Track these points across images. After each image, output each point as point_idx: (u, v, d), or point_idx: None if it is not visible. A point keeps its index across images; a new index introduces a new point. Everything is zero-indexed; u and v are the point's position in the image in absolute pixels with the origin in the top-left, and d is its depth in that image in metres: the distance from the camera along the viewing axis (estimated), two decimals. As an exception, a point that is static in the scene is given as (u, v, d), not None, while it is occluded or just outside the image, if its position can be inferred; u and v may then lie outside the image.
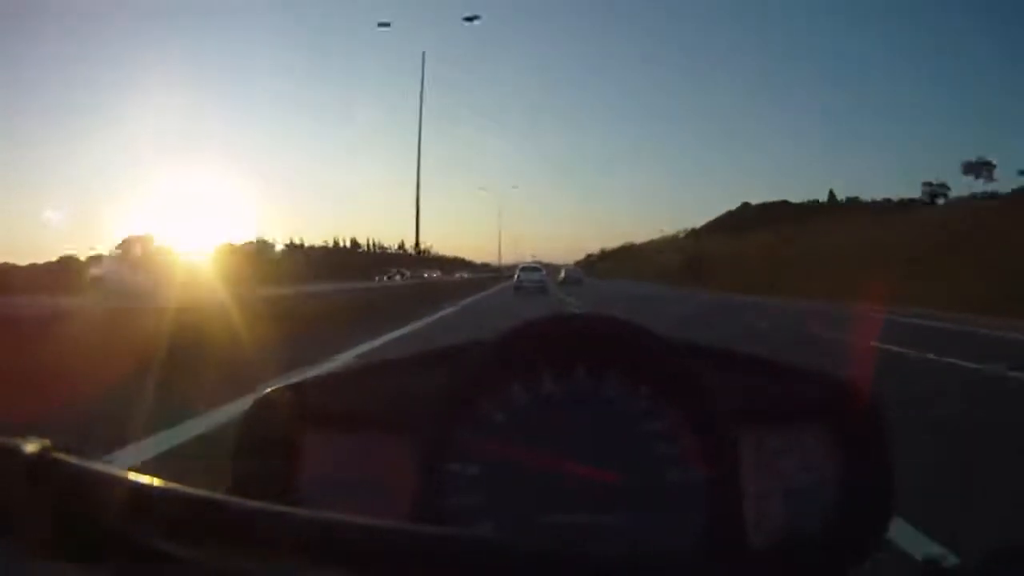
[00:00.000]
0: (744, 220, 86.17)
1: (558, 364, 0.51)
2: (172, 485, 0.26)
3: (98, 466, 0.26)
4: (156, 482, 0.26)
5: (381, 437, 0.49)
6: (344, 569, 0.24)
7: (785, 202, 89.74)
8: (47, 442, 0.25)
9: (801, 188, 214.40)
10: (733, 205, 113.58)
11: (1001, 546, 0.32)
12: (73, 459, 0.25)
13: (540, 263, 31.38)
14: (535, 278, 24.38)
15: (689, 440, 0.48)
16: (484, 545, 0.27)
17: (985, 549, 0.32)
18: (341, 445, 0.49)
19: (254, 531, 0.25)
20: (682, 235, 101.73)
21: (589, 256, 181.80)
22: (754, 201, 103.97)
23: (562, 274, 38.78)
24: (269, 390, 0.50)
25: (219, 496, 0.25)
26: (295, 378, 0.51)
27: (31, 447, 0.25)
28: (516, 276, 25.14)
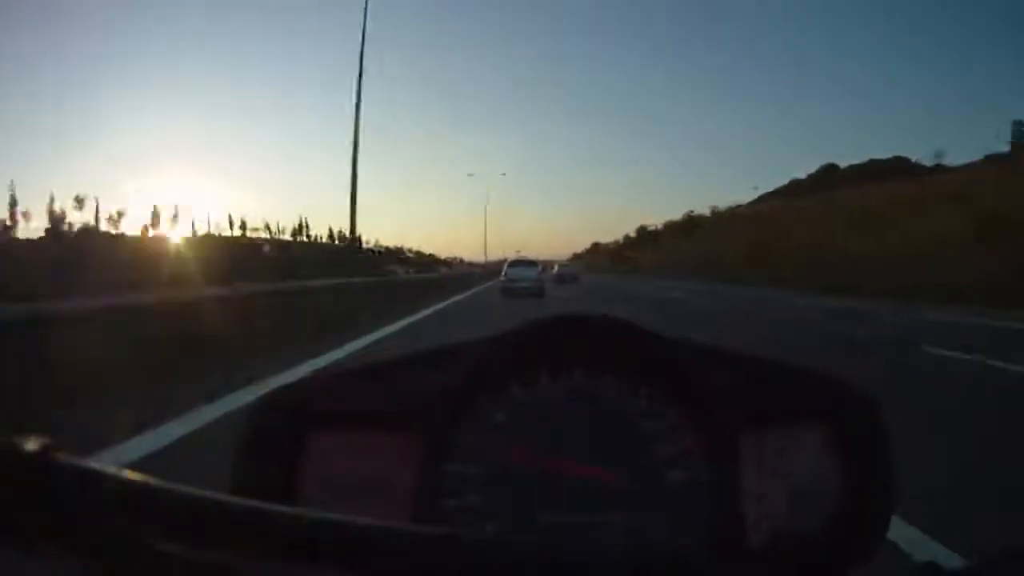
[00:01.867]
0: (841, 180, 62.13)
1: (558, 364, 0.51)
2: (172, 485, 0.26)
3: (98, 466, 0.26)
4: (156, 482, 0.26)
5: (381, 437, 0.49)
6: (344, 569, 0.24)
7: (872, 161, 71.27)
8: (47, 442, 0.25)
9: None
10: (803, 171, 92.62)
11: (1001, 546, 0.32)
12: (73, 459, 0.25)
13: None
14: (529, 276, 18.67)
15: (689, 440, 0.48)
16: (485, 546, 0.27)
17: (985, 549, 0.32)
18: (341, 445, 0.49)
19: (254, 531, 0.25)
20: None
21: (598, 246, 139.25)
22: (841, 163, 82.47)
23: (555, 269, 34.87)
24: (270, 390, 0.50)
25: (219, 496, 0.25)
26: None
27: (31, 447, 0.24)
28: (504, 274, 19.54)
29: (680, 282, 31.07)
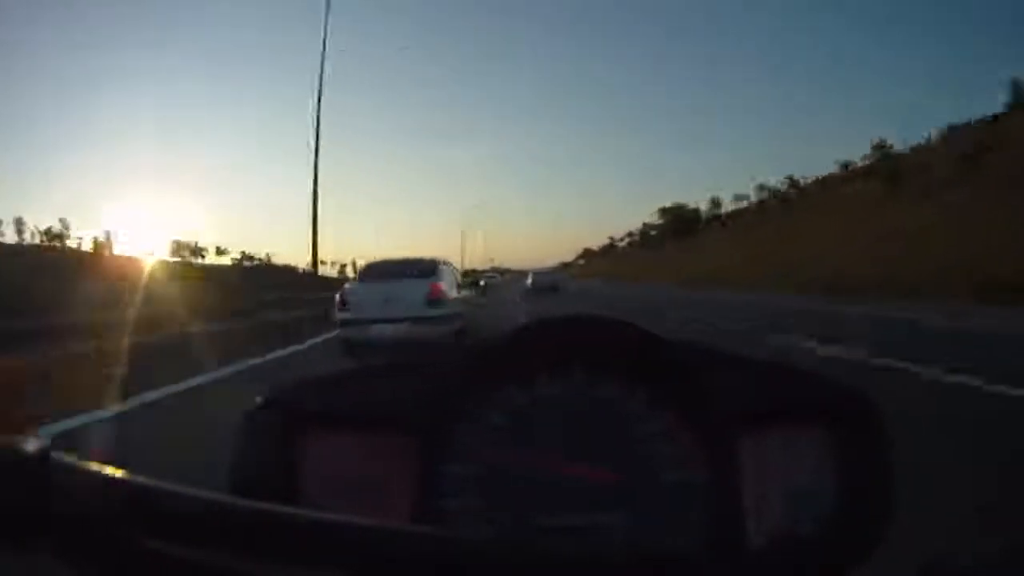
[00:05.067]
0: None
1: (557, 365, 0.51)
2: (172, 485, 0.26)
3: (98, 466, 0.26)
4: (155, 483, 0.26)
5: (380, 438, 0.49)
6: (344, 569, 0.24)
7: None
8: (47, 442, 0.25)
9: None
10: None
11: (1000, 546, 0.32)
12: (73, 459, 0.25)
13: (497, 270, 11.55)
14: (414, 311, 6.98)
15: (688, 441, 0.48)
16: (483, 546, 0.27)
17: (984, 549, 0.32)
18: (341, 445, 0.49)
19: (254, 531, 0.25)
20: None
21: (650, 226, 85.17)
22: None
23: (529, 280, 29.32)
24: (270, 390, 0.50)
25: (219, 496, 0.25)
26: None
27: (31, 447, 0.25)
28: (338, 303, 7.27)
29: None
